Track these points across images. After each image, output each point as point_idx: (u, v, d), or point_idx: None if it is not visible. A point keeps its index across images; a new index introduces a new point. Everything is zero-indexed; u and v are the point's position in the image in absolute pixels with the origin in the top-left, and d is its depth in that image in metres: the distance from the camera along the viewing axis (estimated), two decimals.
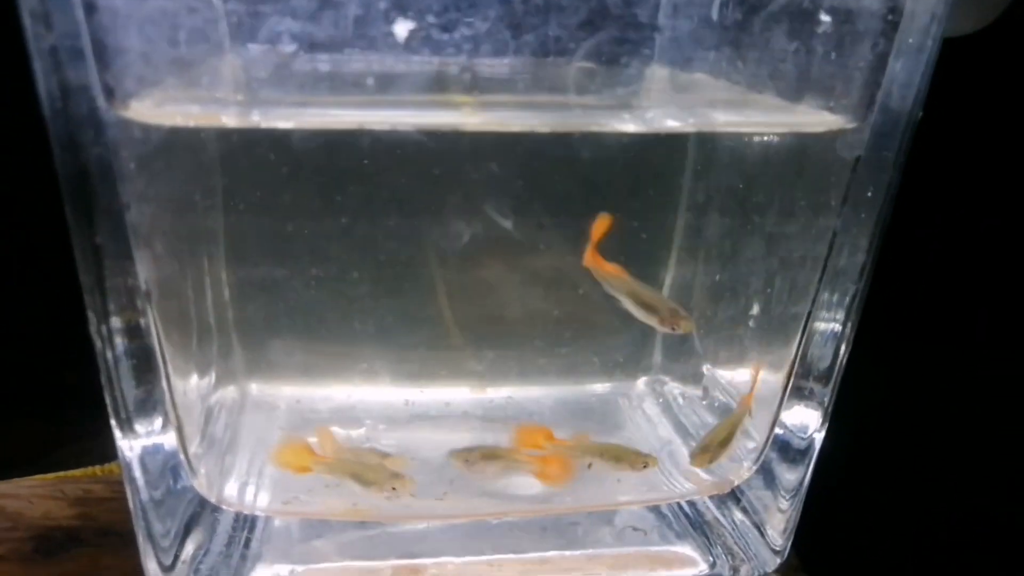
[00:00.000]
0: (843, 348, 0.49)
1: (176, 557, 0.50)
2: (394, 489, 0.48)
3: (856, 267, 0.46)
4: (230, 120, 0.40)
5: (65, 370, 0.69)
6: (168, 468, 0.49)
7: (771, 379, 0.54)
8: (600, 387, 0.66)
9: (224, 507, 0.50)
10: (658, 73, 0.47)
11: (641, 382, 0.66)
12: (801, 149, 0.46)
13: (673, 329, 0.49)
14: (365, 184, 0.49)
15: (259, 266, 0.54)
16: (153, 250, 0.42)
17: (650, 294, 0.50)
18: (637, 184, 0.56)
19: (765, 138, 0.47)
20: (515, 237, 0.51)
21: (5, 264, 0.72)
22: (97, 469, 0.65)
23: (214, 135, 0.43)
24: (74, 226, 0.39)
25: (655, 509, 0.56)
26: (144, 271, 0.41)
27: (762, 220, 0.49)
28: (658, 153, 0.51)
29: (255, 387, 0.61)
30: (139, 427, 0.47)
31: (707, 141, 0.52)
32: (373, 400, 0.62)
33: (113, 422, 0.46)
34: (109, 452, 0.65)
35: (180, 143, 0.41)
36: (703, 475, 0.55)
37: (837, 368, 0.51)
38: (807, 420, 0.53)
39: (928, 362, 0.72)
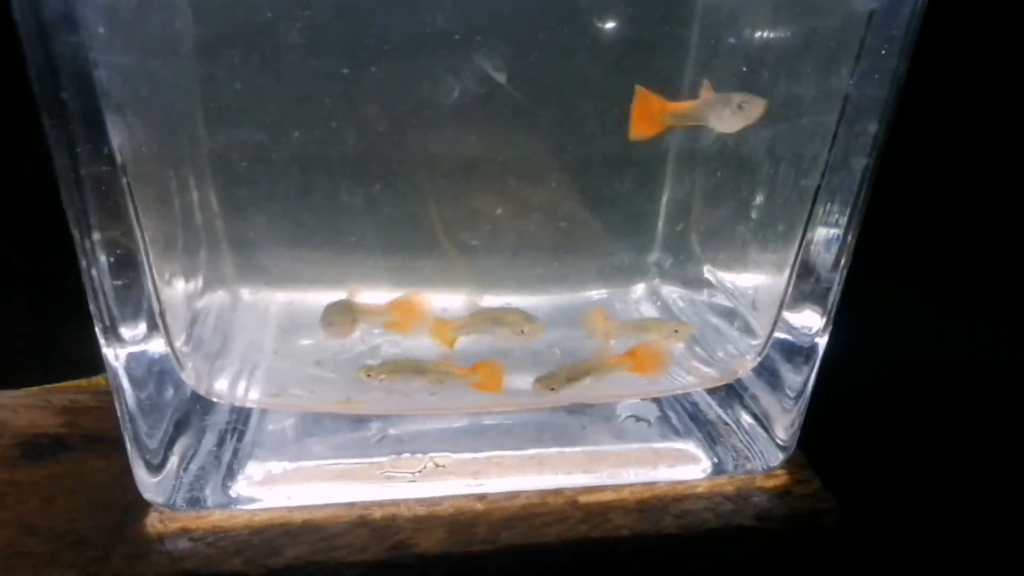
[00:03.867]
0: (848, 241, 0.47)
1: (165, 457, 0.48)
2: (523, 332, 0.48)
3: (867, 140, 0.43)
4: None
5: (52, 288, 0.68)
6: (154, 372, 0.48)
7: (773, 279, 0.52)
8: (596, 293, 0.64)
9: (215, 399, 0.48)
10: None
11: (640, 287, 0.64)
12: (813, 2, 0.43)
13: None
14: (360, 40, 0.46)
15: (243, 144, 0.51)
16: (126, 120, 0.39)
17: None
18: (644, 49, 0.52)
19: None
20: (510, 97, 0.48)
21: None
22: (83, 382, 0.63)
23: None
24: (40, 91, 0.37)
25: (659, 404, 0.54)
26: (118, 138, 0.39)
27: (772, 84, 0.46)
28: (665, 12, 0.48)
29: (246, 292, 0.59)
30: (124, 332, 0.45)
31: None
32: (368, 304, 0.60)
33: (97, 328, 0.44)
34: (95, 366, 0.64)
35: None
36: (705, 369, 0.54)
37: (841, 264, 0.49)
38: (810, 322, 0.52)
39: (937, 275, 0.71)
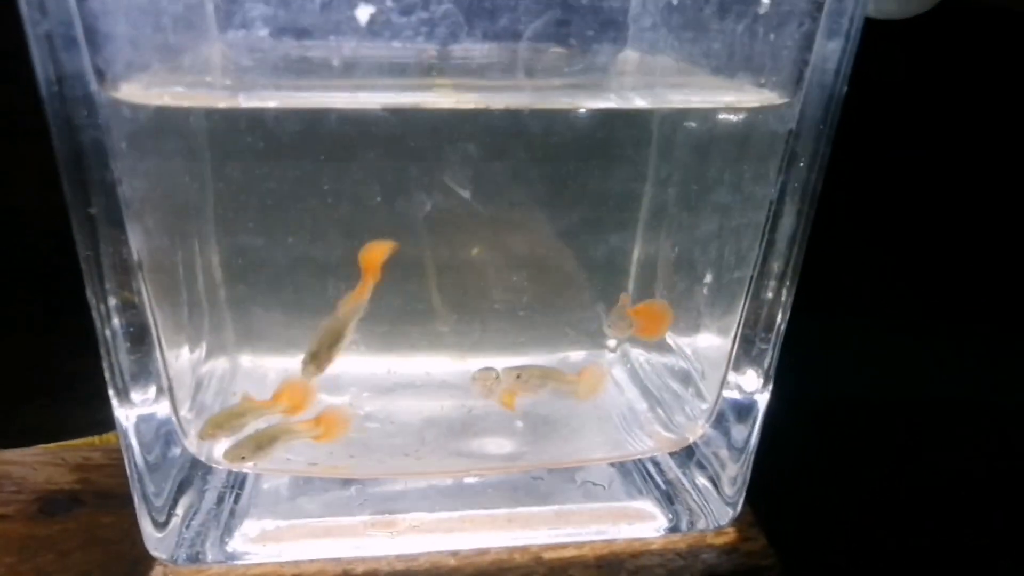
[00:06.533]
0: (781, 313, 0.53)
1: (169, 515, 0.53)
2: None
3: (790, 234, 0.49)
4: (214, 101, 0.43)
5: (66, 352, 0.73)
6: (161, 434, 0.53)
7: (720, 342, 0.57)
8: (573, 356, 0.69)
9: (214, 465, 0.54)
10: (629, 57, 0.51)
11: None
12: (744, 124, 0.50)
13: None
14: (345, 161, 0.52)
15: (246, 244, 0.57)
16: (144, 223, 0.45)
17: None
18: (607, 163, 0.59)
19: (716, 115, 0.51)
20: (476, 208, 0.55)
21: (6, 248, 0.76)
22: (95, 439, 0.69)
23: (199, 115, 0.47)
24: (71, 200, 0.43)
25: (619, 467, 0.59)
26: (136, 242, 0.45)
27: (713, 192, 0.53)
28: (625, 132, 0.55)
29: (246, 358, 0.65)
30: (135, 396, 0.51)
31: (667, 120, 0.55)
32: (357, 370, 0.65)
33: (111, 392, 0.50)
34: (106, 424, 0.69)
35: (167, 122, 0.45)
36: (664, 433, 0.59)
37: (776, 332, 0.55)
38: (751, 381, 0.57)
39: (867, 329, 0.77)
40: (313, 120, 0.47)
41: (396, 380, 0.65)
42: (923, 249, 0.77)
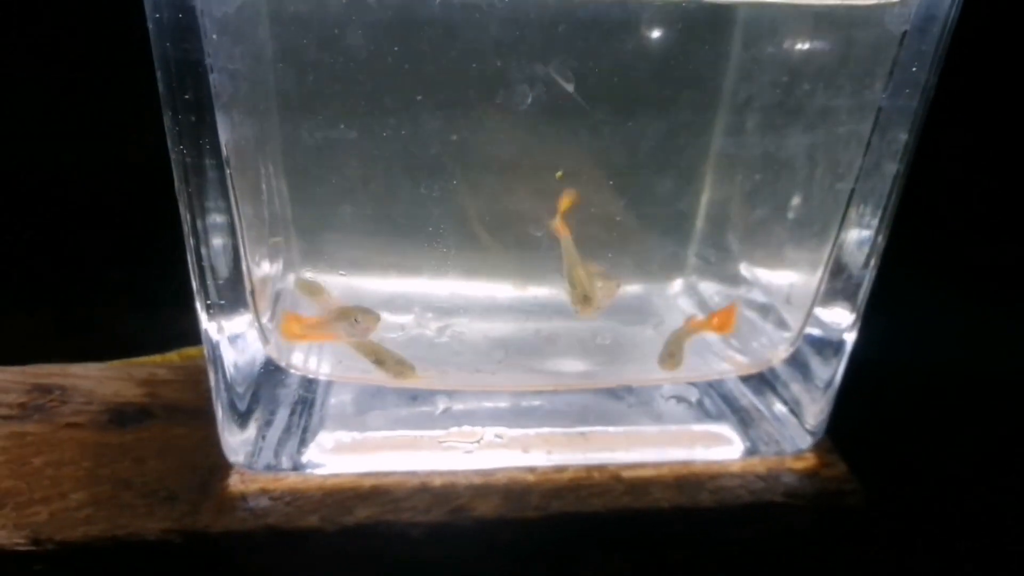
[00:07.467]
0: (879, 242, 0.51)
1: (247, 424, 0.53)
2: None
3: (899, 148, 0.47)
4: None
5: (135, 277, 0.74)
6: (242, 347, 0.53)
7: (807, 276, 0.56)
8: (637, 287, 0.68)
9: (292, 371, 0.53)
10: None
11: (677, 282, 0.68)
12: (851, 23, 0.47)
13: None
14: (426, 64, 0.50)
15: (315, 156, 0.56)
16: (231, 116, 0.44)
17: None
18: (687, 56, 0.56)
19: (828, 13, 0.48)
20: (578, 103, 0.52)
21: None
22: (157, 357, 0.69)
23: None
24: (165, 93, 0.42)
25: (694, 391, 0.58)
26: (224, 134, 0.44)
27: (811, 95, 0.50)
28: (707, 24, 0.52)
29: (311, 276, 0.64)
30: (223, 308, 0.50)
31: (756, 14, 0.52)
32: (421, 292, 0.64)
33: (198, 304, 0.49)
34: (168, 344, 0.69)
35: (261, 7, 0.43)
36: (739, 357, 0.58)
37: (871, 264, 0.53)
38: (841, 318, 0.55)
39: (976, 277, 0.74)
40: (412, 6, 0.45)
41: (459, 303, 0.64)
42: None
